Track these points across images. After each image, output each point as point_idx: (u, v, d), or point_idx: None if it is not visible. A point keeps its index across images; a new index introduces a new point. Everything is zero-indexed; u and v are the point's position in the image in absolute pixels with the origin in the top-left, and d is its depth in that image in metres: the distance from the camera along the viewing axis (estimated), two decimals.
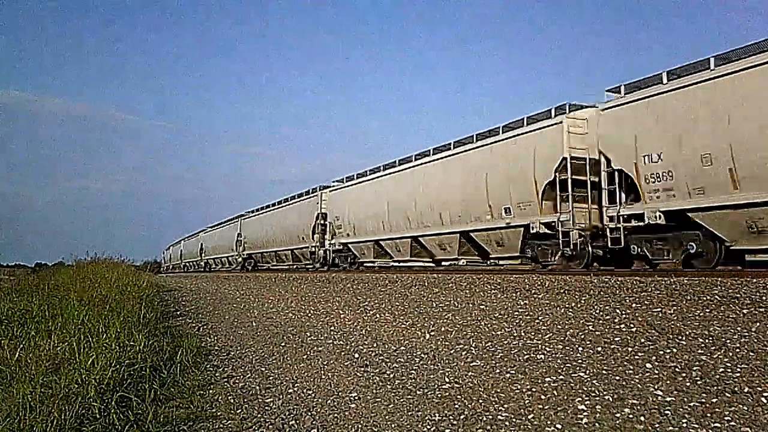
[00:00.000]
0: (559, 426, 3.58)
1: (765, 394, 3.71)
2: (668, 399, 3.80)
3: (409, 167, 17.82)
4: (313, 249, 24.53)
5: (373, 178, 20.25)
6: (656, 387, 4.02)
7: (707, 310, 5.78)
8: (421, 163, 17.22)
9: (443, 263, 17.49)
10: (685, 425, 3.41)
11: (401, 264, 19.10)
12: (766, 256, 9.50)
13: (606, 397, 3.95)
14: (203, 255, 46.54)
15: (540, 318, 6.49)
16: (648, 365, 4.47)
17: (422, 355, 5.68)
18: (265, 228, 31.52)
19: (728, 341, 4.77)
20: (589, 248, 11.76)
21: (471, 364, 5.14)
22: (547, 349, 5.29)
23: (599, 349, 5.06)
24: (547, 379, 4.46)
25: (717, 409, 3.56)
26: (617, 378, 4.30)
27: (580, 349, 5.13)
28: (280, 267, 29.39)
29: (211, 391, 5.01)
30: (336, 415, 4.17)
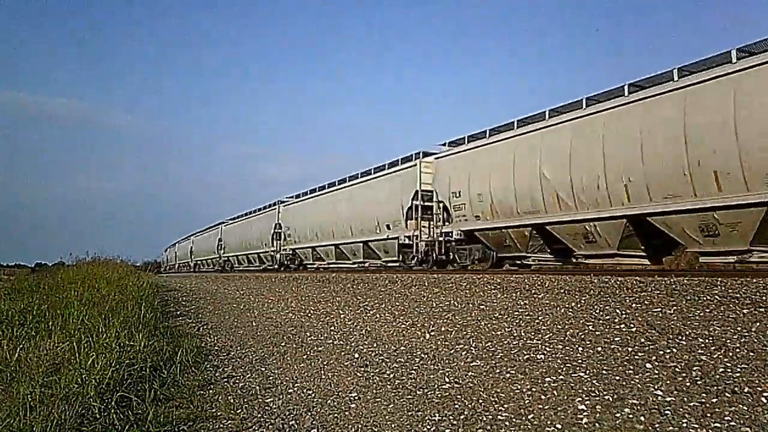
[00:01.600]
0: (559, 426, 3.59)
1: (765, 394, 3.71)
2: (668, 399, 3.80)
3: (330, 191, 24.23)
4: (272, 253, 30.23)
5: (311, 197, 26.05)
6: (656, 387, 4.02)
7: (707, 310, 5.78)
8: (335, 190, 23.77)
9: (355, 264, 21.86)
10: (685, 425, 3.41)
11: (329, 265, 23.97)
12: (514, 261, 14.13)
13: (606, 397, 3.95)
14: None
15: (540, 318, 6.49)
16: (648, 365, 4.47)
17: (422, 355, 5.68)
18: (236, 235, 37.42)
19: (728, 341, 4.77)
20: (433, 255, 16.20)
21: (471, 364, 5.14)
22: (547, 349, 5.29)
23: (599, 349, 5.06)
24: (547, 379, 4.46)
25: (717, 409, 3.57)
26: (617, 378, 4.30)
27: (580, 349, 5.13)
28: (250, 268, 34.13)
29: (211, 391, 5.01)
30: (336, 415, 4.17)
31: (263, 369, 5.86)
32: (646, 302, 6.49)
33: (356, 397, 4.57)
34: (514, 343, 5.65)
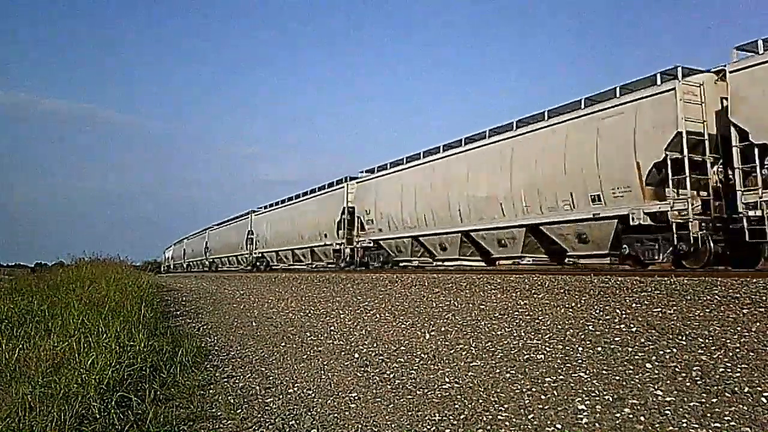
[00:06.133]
0: (559, 426, 3.58)
1: (765, 394, 3.71)
2: (668, 399, 3.80)
3: (460, 152, 15.65)
4: (338, 247, 22.11)
5: (412, 166, 17.93)
6: (656, 387, 4.02)
7: (707, 310, 5.78)
8: (475, 147, 15.03)
9: (500, 262, 14.88)
10: (685, 425, 3.41)
11: (446, 265, 16.44)
12: None
13: (606, 397, 3.95)
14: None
15: (540, 318, 6.49)
16: (648, 365, 4.47)
17: (422, 355, 5.68)
18: (280, 225, 29.38)
19: (728, 341, 4.77)
20: (710, 243, 9.54)
21: (471, 364, 5.14)
22: (547, 349, 5.29)
23: (599, 349, 5.06)
24: (547, 379, 4.46)
25: (717, 409, 3.57)
26: (617, 378, 4.30)
27: (580, 349, 5.13)
28: (296, 267, 27.39)
29: (211, 391, 5.01)
30: (336, 415, 4.17)
31: (263, 369, 5.86)
32: (646, 302, 6.49)
33: (356, 397, 4.57)
34: (514, 343, 5.65)
